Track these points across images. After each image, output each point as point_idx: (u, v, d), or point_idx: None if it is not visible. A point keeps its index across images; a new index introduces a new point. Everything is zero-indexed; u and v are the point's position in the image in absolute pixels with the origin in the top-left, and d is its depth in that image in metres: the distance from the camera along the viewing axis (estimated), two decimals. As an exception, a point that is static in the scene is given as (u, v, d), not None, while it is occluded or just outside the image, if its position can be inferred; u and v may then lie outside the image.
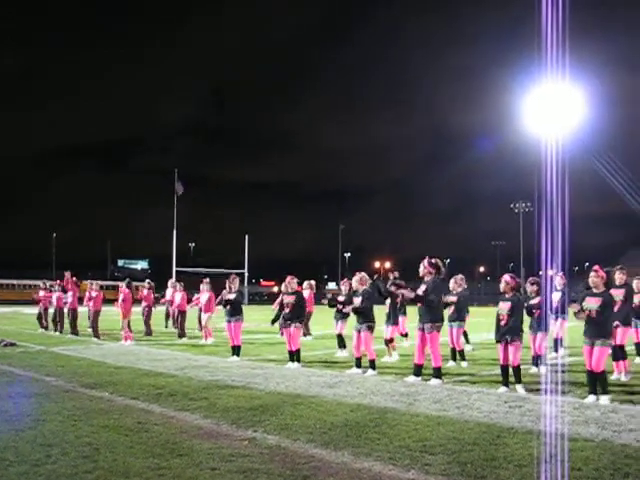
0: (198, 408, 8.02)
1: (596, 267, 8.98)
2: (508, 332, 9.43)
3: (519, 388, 9.27)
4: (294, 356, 12.32)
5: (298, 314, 12.53)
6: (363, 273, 12.13)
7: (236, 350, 13.60)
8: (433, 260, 10.48)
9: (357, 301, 11.66)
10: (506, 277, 9.87)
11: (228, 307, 13.71)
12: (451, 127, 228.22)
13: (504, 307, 9.55)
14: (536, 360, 11.35)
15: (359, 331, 11.53)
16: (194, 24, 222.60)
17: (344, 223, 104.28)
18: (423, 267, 10.46)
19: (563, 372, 10.73)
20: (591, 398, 8.47)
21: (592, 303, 8.62)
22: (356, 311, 11.71)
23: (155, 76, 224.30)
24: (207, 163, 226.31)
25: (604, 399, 8.35)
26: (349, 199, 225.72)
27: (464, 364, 12.50)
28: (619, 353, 10.49)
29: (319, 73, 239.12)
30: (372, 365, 11.37)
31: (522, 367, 9.62)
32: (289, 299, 12.59)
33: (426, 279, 10.43)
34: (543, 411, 7.74)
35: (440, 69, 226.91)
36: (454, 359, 12.69)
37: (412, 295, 10.62)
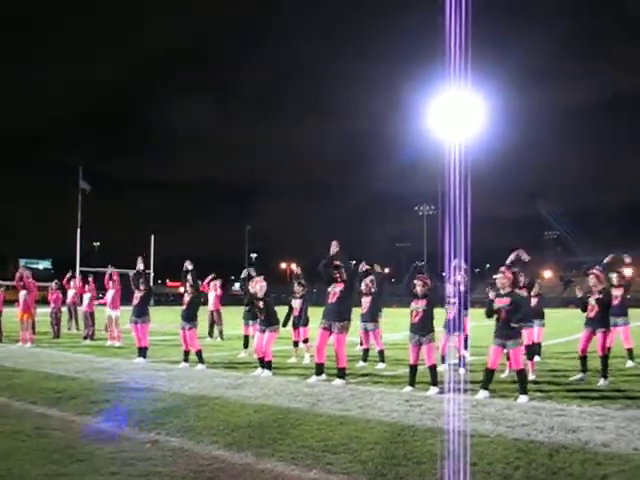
0: (100, 411, 7.89)
1: (503, 269, 9.26)
2: (420, 331, 9.56)
3: (432, 390, 9.30)
4: (199, 357, 12.30)
5: (193, 315, 12.57)
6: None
7: (142, 351, 13.45)
8: (340, 263, 10.65)
9: (261, 304, 11.69)
10: (420, 277, 10.02)
11: (135, 307, 13.59)
12: (361, 130, 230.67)
13: (420, 304, 9.66)
14: (463, 361, 11.44)
15: (263, 331, 11.55)
16: (102, 20, 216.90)
17: (254, 224, 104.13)
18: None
19: (465, 371, 11.05)
20: (482, 393, 8.75)
21: (501, 304, 8.91)
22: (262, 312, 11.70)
23: (59, 71, 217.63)
24: (114, 160, 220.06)
25: (523, 399, 8.54)
26: (260, 199, 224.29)
27: (381, 365, 12.47)
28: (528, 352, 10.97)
29: (231, 72, 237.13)
30: (268, 366, 11.36)
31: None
32: (186, 298, 12.64)
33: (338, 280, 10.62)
34: (442, 409, 7.96)
35: (349, 71, 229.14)
36: (365, 360, 12.79)
37: None
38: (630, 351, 12.36)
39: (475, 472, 5.33)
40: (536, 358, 12.73)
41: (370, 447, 6.11)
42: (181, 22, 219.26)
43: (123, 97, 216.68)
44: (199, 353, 12.34)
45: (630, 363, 12.24)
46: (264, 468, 5.49)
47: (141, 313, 13.54)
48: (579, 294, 11.02)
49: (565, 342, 17.54)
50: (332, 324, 10.37)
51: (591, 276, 10.75)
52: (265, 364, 11.34)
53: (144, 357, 13.38)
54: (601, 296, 10.48)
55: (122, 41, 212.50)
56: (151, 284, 13.95)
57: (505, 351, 8.95)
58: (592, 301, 10.55)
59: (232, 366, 12.69)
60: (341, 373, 10.28)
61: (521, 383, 8.71)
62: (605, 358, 10.26)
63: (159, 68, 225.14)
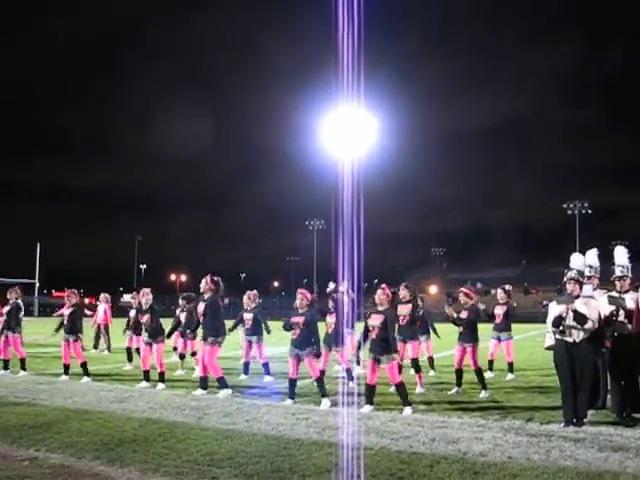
0: (-25, 428, 7.57)
1: (383, 285, 9.46)
2: (300, 345, 9.65)
3: (324, 402, 9.33)
4: (69, 369, 12.31)
5: (75, 327, 12.44)
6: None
7: (5, 364, 13.31)
8: (215, 277, 10.68)
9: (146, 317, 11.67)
10: (302, 291, 10.09)
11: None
12: (260, 143, 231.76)
13: (299, 320, 9.74)
14: (350, 374, 11.43)
15: (150, 344, 11.45)
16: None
17: (148, 234, 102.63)
18: (205, 283, 10.67)
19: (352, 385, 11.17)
20: (367, 408, 8.86)
21: (376, 320, 9.09)
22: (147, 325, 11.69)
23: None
24: (4, 163, 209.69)
25: (407, 410, 8.71)
26: (156, 210, 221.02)
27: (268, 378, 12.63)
28: (415, 366, 11.19)
29: (122, 80, 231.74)
30: (162, 378, 11.33)
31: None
32: (66, 311, 12.54)
33: (206, 296, 10.65)
34: (329, 422, 8.06)
35: (251, 85, 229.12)
36: (246, 373, 12.83)
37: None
38: (510, 364, 12.91)
39: (359, 484, 5.44)
40: (431, 372, 13.13)
41: (256, 461, 6.13)
42: (70, 23, 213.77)
43: (14, 98, 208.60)
44: (84, 365, 12.12)
45: (510, 376, 12.75)
46: (148, 483, 5.43)
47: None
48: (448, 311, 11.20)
49: (447, 356, 18.02)
50: (206, 339, 10.43)
51: (461, 294, 11.18)
52: (159, 376, 11.32)
53: (6, 369, 13.25)
54: (469, 313, 10.89)
55: (19, 42, 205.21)
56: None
57: (382, 366, 9.01)
58: (462, 317, 10.93)
59: (118, 379, 12.43)
60: (221, 384, 10.31)
61: (402, 396, 8.87)
62: (479, 371, 10.64)
63: (51, 69, 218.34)
